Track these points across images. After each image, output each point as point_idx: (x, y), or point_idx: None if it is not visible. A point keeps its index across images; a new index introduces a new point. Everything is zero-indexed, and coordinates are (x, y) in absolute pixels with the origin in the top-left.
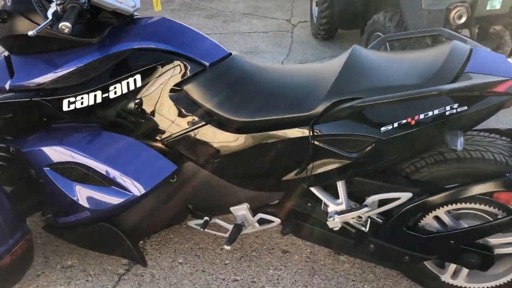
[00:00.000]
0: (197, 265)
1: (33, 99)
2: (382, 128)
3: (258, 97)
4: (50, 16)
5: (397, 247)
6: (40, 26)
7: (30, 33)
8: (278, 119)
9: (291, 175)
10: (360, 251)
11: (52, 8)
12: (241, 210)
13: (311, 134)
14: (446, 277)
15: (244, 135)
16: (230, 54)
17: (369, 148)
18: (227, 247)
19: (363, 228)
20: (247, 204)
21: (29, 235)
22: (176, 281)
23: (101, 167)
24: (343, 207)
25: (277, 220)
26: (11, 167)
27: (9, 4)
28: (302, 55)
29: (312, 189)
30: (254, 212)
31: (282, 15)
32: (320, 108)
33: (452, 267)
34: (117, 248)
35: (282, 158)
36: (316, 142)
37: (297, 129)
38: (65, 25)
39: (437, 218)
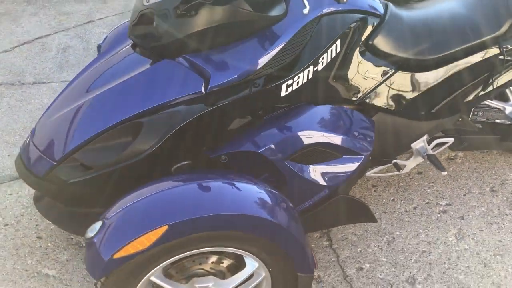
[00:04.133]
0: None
1: (252, 91)
2: None
3: (441, 33)
4: None
5: None
6: None
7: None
8: (467, 47)
9: (476, 94)
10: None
11: None
12: (419, 143)
13: (502, 50)
14: None
15: (435, 71)
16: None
17: None
18: (444, 173)
19: None
20: (427, 135)
21: None
22: (392, 228)
23: (331, 139)
24: None
25: (451, 140)
26: None
27: None
28: None
29: (489, 101)
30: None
31: None
32: (506, 27)
33: None
34: (358, 214)
35: (471, 81)
36: (507, 57)
37: (485, 50)
38: None
39: None
